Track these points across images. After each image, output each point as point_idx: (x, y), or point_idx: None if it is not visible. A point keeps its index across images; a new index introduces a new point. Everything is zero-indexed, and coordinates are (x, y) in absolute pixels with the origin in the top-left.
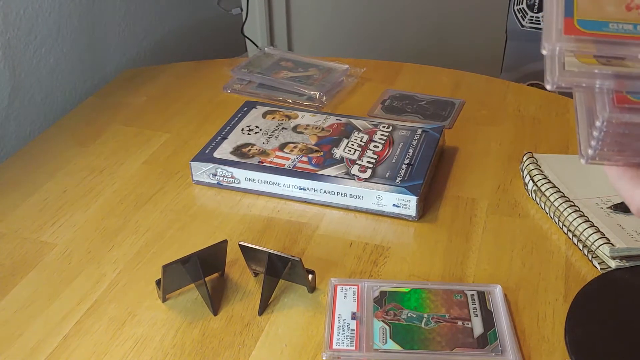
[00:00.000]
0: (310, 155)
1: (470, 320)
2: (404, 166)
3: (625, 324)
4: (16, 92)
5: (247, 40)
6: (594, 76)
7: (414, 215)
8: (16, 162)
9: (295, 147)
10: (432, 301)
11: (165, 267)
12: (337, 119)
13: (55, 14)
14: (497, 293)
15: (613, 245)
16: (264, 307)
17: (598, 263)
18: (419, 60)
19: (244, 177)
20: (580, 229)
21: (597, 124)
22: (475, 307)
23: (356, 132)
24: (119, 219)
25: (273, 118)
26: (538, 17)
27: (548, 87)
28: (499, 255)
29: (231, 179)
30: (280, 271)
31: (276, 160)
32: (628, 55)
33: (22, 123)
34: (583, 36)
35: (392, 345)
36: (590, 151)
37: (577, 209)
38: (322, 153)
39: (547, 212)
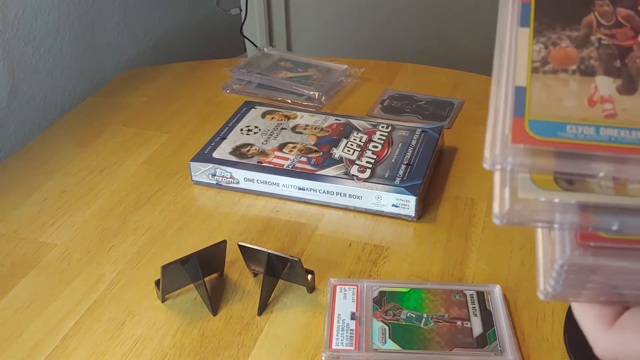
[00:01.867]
0: (309, 156)
1: (469, 320)
2: (403, 166)
3: None
4: (15, 93)
5: (246, 40)
6: (552, 209)
7: (413, 215)
8: (15, 162)
9: (294, 147)
10: (431, 301)
11: (165, 268)
12: (336, 119)
13: (55, 15)
14: (496, 293)
15: None
16: (263, 307)
17: None
18: (418, 60)
19: (243, 177)
20: None
21: (556, 266)
22: (474, 307)
23: (355, 132)
24: (118, 219)
25: (272, 118)
26: None
27: (496, 222)
28: (498, 255)
29: (230, 179)
30: (279, 271)
31: (275, 160)
32: (588, 174)
33: (22, 123)
34: (535, 145)
35: (391, 345)
36: (549, 289)
37: None
38: (321, 153)
39: None
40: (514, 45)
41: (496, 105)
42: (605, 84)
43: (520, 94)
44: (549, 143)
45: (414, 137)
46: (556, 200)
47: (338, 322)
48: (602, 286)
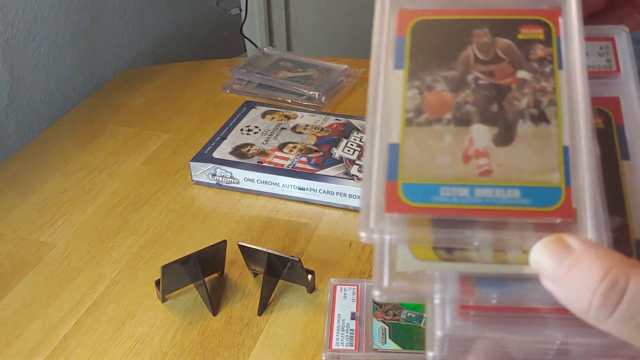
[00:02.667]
0: (309, 155)
1: None
2: None
3: None
4: (15, 93)
5: (246, 40)
6: (432, 281)
7: None
8: (15, 162)
9: (294, 147)
10: None
11: (165, 268)
12: (336, 119)
13: (54, 15)
14: None
15: None
16: (263, 307)
17: None
18: None
19: (243, 177)
20: None
21: (438, 335)
22: None
23: (355, 132)
24: (118, 219)
25: (272, 118)
26: None
27: (377, 299)
28: None
29: (230, 179)
30: (279, 271)
31: (275, 160)
32: (463, 243)
33: (21, 123)
34: (409, 213)
35: (391, 345)
36: (436, 354)
37: None
38: (321, 153)
39: None
40: (388, 93)
41: (370, 165)
42: (481, 135)
43: (393, 152)
44: (423, 210)
45: None
46: (435, 273)
47: (338, 322)
48: (490, 349)
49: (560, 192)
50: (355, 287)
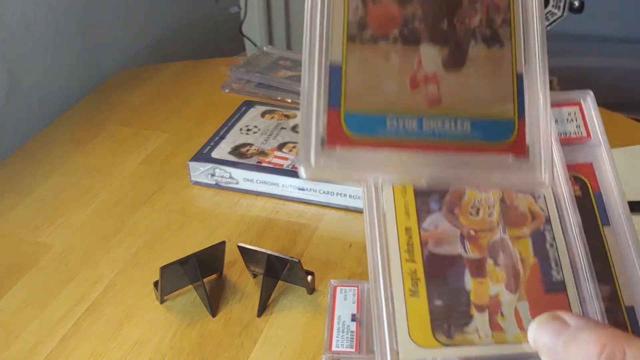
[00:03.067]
0: None
1: None
2: None
3: None
4: (13, 92)
5: (245, 39)
6: None
7: None
8: (13, 162)
9: (294, 147)
10: None
11: (163, 269)
12: None
13: (52, 14)
14: None
15: None
16: (262, 308)
17: None
18: None
19: (242, 178)
20: None
21: None
22: None
23: None
24: (117, 220)
25: (272, 118)
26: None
27: None
28: None
29: (229, 179)
30: (279, 272)
31: (275, 160)
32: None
33: (19, 123)
34: (352, 147)
35: None
36: None
37: None
38: None
39: None
40: (327, 1)
41: (309, 88)
42: (430, 56)
43: (335, 74)
44: (367, 143)
45: None
46: (438, 358)
47: (338, 324)
48: None
49: (513, 125)
50: (356, 288)
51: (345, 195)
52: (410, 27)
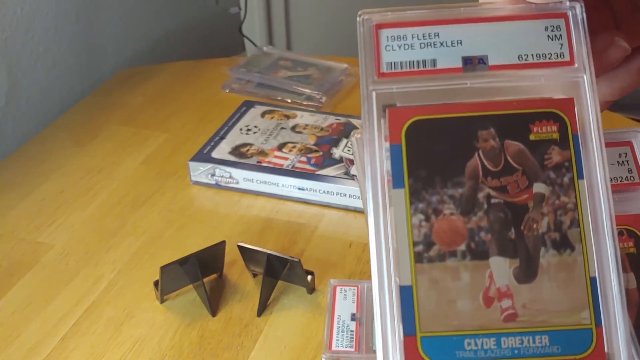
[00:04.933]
0: (309, 155)
1: None
2: None
3: None
4: (13, 92)
5: (245, 39)
6: None
7: None
8: (13, 162)
9: (294, 147)
10: None
11: (163, 268)
12: (336, 119)
13: (53, 13)
14: None
15: None
16: (262, 308)
17: None
18: None
19: (242, 177)
20: None
21: None
22: None
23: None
24: (117, 220)
25: (272, 118)
26: None
27: None
28: None
29: (229, 179)
30: (279, 272)
31: (275, 160)
32: None
33: (19, 123)
34: None
35: None
36: None
37: None
38: (321, 153)
39: None
40: (389, 220)
41: (383, 313)
42: (500, 269)
43: (406, 298)
44: None
45: None
46: None
47: (338, 324)
48: None
49: (591, 334)
50: (356, 288)
51: (345, 195)
52: (478, 240)
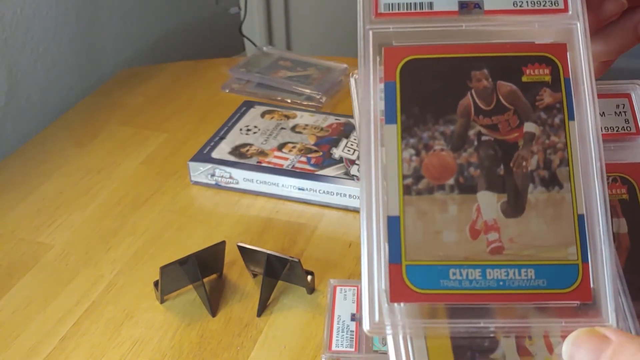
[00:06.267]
0: (309, 156)
1: None
2: None
3: None
4: (13, 92)
5: (245, 39)
6: None
7: None
8: (13, 162)
9: (294, 147)
10: None
11: (163, 268)
12: (336, 119)
13: (53, 14)
14: None
15: None
16: (262, 308)
17: None
18: None
19: (242, 178)
20: None
21: None
22: None
23: (355, 132)
24: (117, 220)
25: (272, 118)
26: None
27: None
28: None
29: (229, 179)
30: (279, 272)
31: (275, 160)
32: (482, 334)
33: (19, 123)
34: (417, 302)
35: None
36: None
37: None
38: (321, 153)
39: None
40: (380, 154)
41: (368, 244)
42: (488, 203)
43: (393, 228)
44: (431, 297)
45: None
46: None
47: (338, 324)
48: None
49: (578, 270)
50: (355, 288)
51: (345, 195)
52: (467, 175)
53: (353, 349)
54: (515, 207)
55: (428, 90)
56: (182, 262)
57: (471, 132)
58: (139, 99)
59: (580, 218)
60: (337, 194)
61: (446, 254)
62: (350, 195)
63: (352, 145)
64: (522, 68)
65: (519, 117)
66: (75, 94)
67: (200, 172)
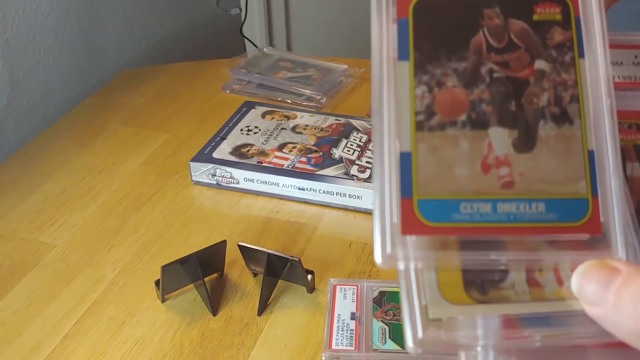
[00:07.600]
0: (309, 156)
1: None
2: None
3: None
4: (15, 93)
5: (246, 40)
6: (472, 327)
7: None
8: (14, 162)
9: (294, 147)
10: None
11: (164, 268)
12: (336, 119)
13: (54, 14)
14: None
15: None
16: (263, 307)
17: None
18: None
19: (243, 178)
20: None
21: None
22: None
23: (355, 132)
24: (118, 220)
25: (272, 118)
26: None
27: (412, 352)
28: None
29: (230, 179)
30: (279, 271)
31: (275, 160)
32: (493, 266)
33: (21, 123)
34: (428, 235)
35: (391, 345)
36: None
37: None
38: (321, 153)
39: None
40: (393, 90)
41: (381, 178)
42: (500, 139)
43: (405, 163)
44: (443, 230)
45: None
46: (476, 317)
47: (338, 322)
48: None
49: (587, 204)
50: (355, 287)
51: (345, 195)
52: (478, 111)
53: (353, 348)
54: (526, 142)
55: (440, 28)
56: (183, 261)
57: (483, 69)
58: (140, 99)
59: (590, 154)
60: (337, 194)
61: (457, 189)
62: (350, 195)
63: (352, 145)
64: (533, 7)
65: (530, 55)
66: (77, 95)
67: (201, 172)
